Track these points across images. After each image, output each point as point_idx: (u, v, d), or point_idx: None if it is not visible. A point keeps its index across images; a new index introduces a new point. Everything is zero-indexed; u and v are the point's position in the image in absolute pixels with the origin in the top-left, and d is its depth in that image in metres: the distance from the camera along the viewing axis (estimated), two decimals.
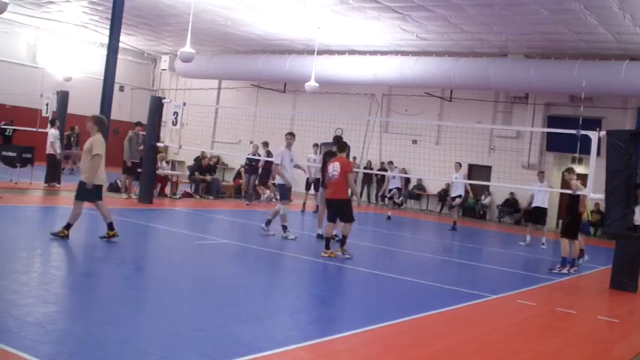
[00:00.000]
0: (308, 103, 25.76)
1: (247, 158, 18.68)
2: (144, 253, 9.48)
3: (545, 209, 14.57)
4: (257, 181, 18.83)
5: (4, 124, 21.67)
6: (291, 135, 12.18)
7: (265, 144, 19.06)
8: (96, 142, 8.87)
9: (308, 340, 5.36)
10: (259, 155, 18.64)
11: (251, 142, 19.31)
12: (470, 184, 17.78)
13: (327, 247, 10.12)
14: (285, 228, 11.64)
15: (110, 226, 9.10)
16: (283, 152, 11.91)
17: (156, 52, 29.99)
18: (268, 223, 11.81)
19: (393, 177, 18.84)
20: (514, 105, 22.57)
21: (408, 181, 24.35)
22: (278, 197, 20.48)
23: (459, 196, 17.11)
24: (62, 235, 8.72)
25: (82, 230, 11.05)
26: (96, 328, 5.07)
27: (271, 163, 17.61)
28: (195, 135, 23.58)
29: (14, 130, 21.21)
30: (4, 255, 7.67)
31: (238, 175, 20.90)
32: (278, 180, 12.20)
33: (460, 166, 17.49)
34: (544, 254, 13.58)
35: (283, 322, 6.11)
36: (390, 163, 20.80)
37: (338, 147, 10.53)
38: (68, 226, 8.79)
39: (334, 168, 10.19)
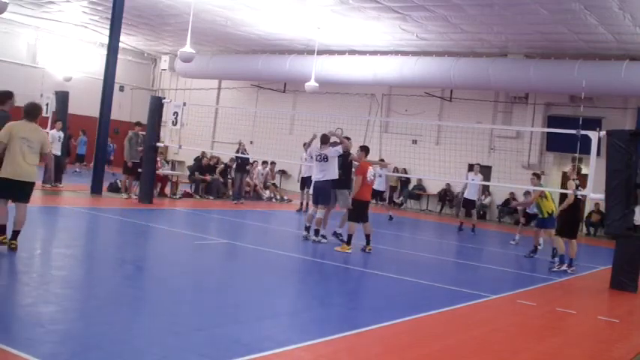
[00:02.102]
0: (308, 103, 25.76)
1: (237, 157, 18.59)
2: (144, 253, 9.47)
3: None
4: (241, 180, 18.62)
5: None
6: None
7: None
8: None
9: (308, 340, 5.35)
10: (247, 153, 18.75)
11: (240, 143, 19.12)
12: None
13: (349, 242, 10.86)
14: (308, 229, 11.71)
15: (2, 230, 7.56)
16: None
17: (156, 52, 30.00)
18: (316, 233, 11.53)
19: (379, 176, 18.67)
20: (514, 105, 22.58)
21: (407, 180, 24.39)
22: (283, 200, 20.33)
23: (475, 201, 16.87)
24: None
25: (82, 231, 11.07)
26: (96, 328, 5.07)
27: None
28: (195, 135, 23.59)
29: None
30: (4, 255, 7.67)
31: (221, 174, 20.15)
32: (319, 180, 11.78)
33: (480, 167, 17.25)
34: (543, 254, 13.55)
35: (283, 322, 6.12)
36: (382, 160, 20.26)
37: (366, 152, 11.44)
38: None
39: (372, 172, 11.12)
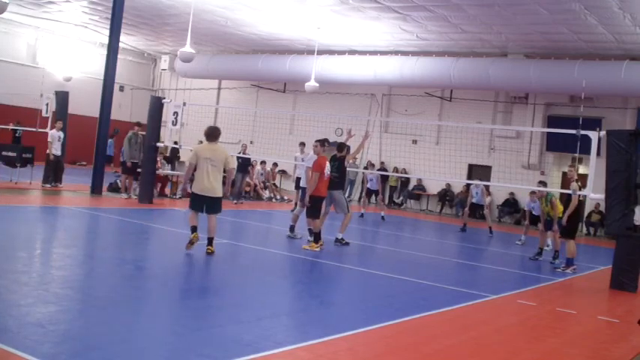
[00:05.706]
0: (308, 103, 25.74)
1: (238, 157, 18.62)
2: (144, 253, 9.47)
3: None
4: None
5: (13, 126, 21.80)
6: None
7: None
8: None
9: (308, 340, 5.36)
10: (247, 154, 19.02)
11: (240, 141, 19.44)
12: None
13: (319, 240, 10.77)
14: (292, 229, 11.77)
15: (194, 229, 8.81)
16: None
17: (156, 52, 30.00)
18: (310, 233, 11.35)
19: (370, 179, 19.02)
20: (514, 105, 22.58)
21: (407, 180, 24.38)
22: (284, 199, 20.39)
23: (484, 205, 18.18)
24: None
25: (81, 230, 11.07)
26: (96, 328, 5.08)
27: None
28: (195, 135, 23.57)
29: (23, 130, 21.33)
30: (4, 255, 7.67)
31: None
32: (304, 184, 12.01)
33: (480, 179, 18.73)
34: (544, 255, 13.57)
35: (283, 322, 6.12)
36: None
37: (322, 145, 11.28)
38: None
39: (328, 167, 11.08)
